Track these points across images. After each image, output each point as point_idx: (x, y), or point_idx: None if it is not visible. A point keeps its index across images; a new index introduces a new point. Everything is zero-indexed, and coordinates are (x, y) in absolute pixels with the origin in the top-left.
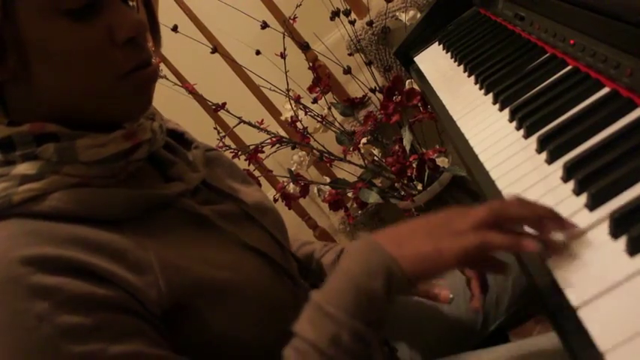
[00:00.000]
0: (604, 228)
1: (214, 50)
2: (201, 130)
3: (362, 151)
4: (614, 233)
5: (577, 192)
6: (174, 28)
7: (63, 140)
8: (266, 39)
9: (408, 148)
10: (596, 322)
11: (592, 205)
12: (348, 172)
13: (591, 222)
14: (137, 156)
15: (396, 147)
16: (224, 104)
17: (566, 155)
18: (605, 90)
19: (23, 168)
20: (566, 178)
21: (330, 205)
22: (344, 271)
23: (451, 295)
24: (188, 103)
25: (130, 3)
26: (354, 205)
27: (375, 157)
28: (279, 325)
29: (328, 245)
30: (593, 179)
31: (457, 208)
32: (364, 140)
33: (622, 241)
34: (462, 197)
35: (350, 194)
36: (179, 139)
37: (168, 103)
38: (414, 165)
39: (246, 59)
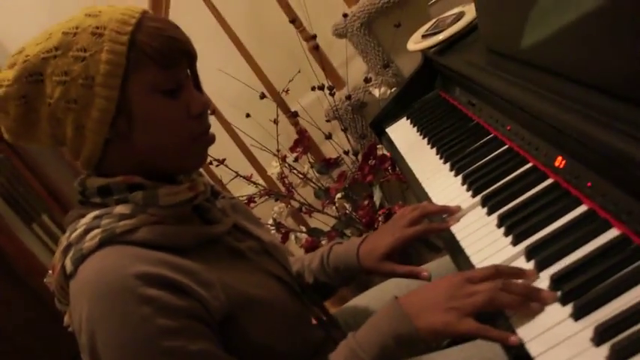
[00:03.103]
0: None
1: (212, 112)
2: None
3: (337, 205)
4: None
5: (498, 225)
6: None
7: (148, 189)
8: (253, 103)
9: (378, 203)
10: None
11: (515, 241)
12: (321, 221)
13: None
14: (195, 202)
15: (366, 202)
16: (224, 160)
17: (498, 203)
18: (529, 165)
19: (120, 209)
20: (499, 225)
21: (306, 250)
22: (377, 328)
23: (426, 273)
24: None
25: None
26: None
27: (347, 211)
28: (295, 336)
29: (313, 254)
30: (517, 225)
31: (455, 277)
32: (339, 195)
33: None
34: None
35: (324, 242)
36: (210, 190)
37: None
38: (381, 218)
39: (236, 121)
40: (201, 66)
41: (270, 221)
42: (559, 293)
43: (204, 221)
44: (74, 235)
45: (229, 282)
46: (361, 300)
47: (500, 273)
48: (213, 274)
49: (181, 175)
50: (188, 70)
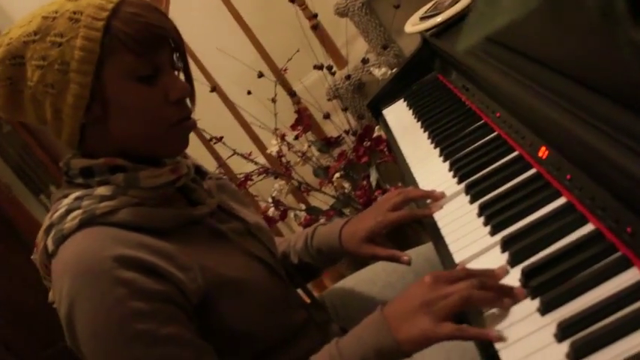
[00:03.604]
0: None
1: (213, 89)
2: (197, 158)
3: (335, 184)
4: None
5: (479, 214)
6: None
7: (129, 171)
8: (256, 80)
9: (374, 184)
10: None
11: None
12: (320, 200)
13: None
14: (177, 185)
15: (364, 182)
16: (221, 137)
17: (480, 191)
18: (515, 153)
19: (101, 190)
20: (479, 214)
21: (305, 228)
22: (359, 339)
23: (406, 257)
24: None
25: (175, 72)
26: None
27: (346, 190)
28: (275, 318)
29: (298, 234)
30: (496, 215)
31: (428, 280)
32: (337, 175)
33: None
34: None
35: (322, 220)
36: (197, 171)
37: None
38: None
39: (239, 98)
40: (203, 42)
41: (269, 199)
42: (528, 288)
43: (189, 202)
44: (56, 215)
45: (208, 264)
46: (349, 282)
47: (472, 274)
48: (192, 257)
49: (168, 159)
50: (176, 55)
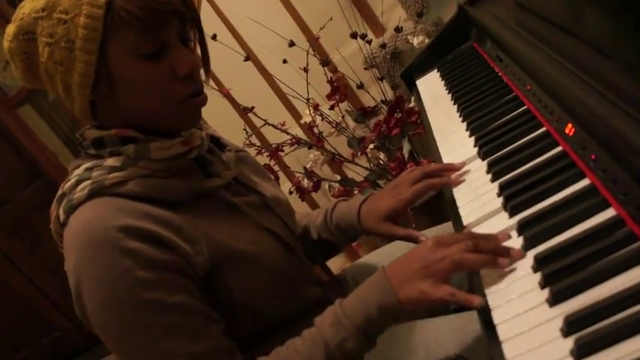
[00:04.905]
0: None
1: (247, 58)
2: (232, 128)
3: (369, 155)
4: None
5: (498, 194)
6: (214, 37)
7: (140, 142)
8: (294, 49)
9: (406, 156)
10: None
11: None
12: (357, 173)
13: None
14: (190, 156)
15: (399, 154)
16: (252, 108)
17: (502, 170)
18: (542, 129)
19: (111, 161)
20: (499, 194)
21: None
22: (362, 297)
23: (424, 237)
24: (223, 104)
25: (190, 44)
26: None
27: (381, 161)
28: (286, 294)
29: (318, 210)
30: (516, 195)
31: (428, 242)
32: (371, 146)
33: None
34: None
35: (356, 192)
36: (216, 142)
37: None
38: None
39: (275, 67)
40: (238, 10)
41: (302, 170)
42: (539, 275)
43: (205, 174)
44: (67, 185)
45: (216, 237)
46: (372, 257)
47: (473, 237)
48: (200, 229)
49: (182, 132)
50: (189, 27)
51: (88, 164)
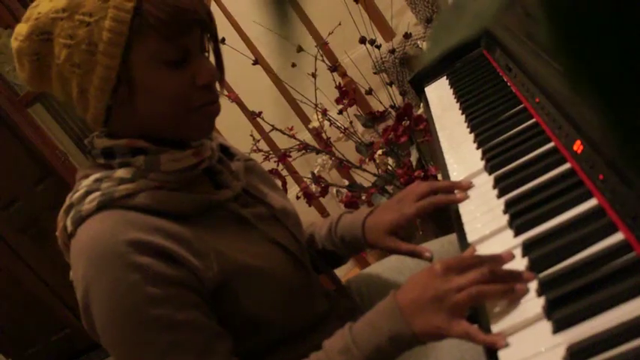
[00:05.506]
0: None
1: (255, 62)
2: (239, 133)
3: (377, 161)
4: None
5: (504, 211)
6: (222, 40)
7: (150, 154)
8: (302, 53)
9: (414, 163)
10: None
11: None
12: (365, 178)
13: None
14: (201, 167)
15: (408, 160)
16: (260, 113)
17: (509, 185)
18: (550, 144)
19: (121, 172)
20: (505, 211)
21: (346, 205)
22: (374, 326)
23: (428, 253)
24: (230, 109)
25: (205, 53)
26: (367, 207)
27: (389, 167)
28: (294, 307)
29: (324, 220)
30: (522, 214)
31: (439, 269)
32: (380, 152)
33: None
34: None
35: (364, 197)
36: (225, 151)
37: None
38: (419, 178)
39: (283, 71)
40: (246, 14)
41: (310, 175)
42: (543, 299)
43: (214, 185)
44: (76, 195)
45: (225, 251)
46: (377, 268)
47: (481, 261)
48: (209, 243)
49: (192, 142)
50: (207, 36)
51: (97, 175)
